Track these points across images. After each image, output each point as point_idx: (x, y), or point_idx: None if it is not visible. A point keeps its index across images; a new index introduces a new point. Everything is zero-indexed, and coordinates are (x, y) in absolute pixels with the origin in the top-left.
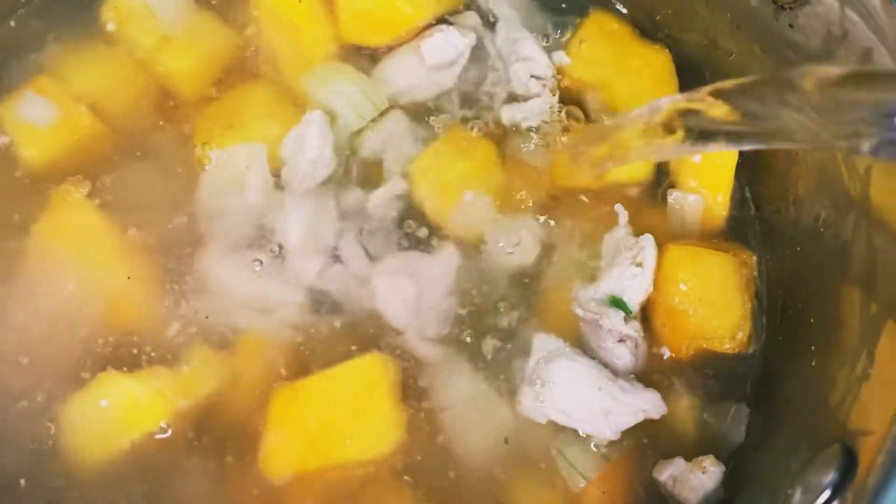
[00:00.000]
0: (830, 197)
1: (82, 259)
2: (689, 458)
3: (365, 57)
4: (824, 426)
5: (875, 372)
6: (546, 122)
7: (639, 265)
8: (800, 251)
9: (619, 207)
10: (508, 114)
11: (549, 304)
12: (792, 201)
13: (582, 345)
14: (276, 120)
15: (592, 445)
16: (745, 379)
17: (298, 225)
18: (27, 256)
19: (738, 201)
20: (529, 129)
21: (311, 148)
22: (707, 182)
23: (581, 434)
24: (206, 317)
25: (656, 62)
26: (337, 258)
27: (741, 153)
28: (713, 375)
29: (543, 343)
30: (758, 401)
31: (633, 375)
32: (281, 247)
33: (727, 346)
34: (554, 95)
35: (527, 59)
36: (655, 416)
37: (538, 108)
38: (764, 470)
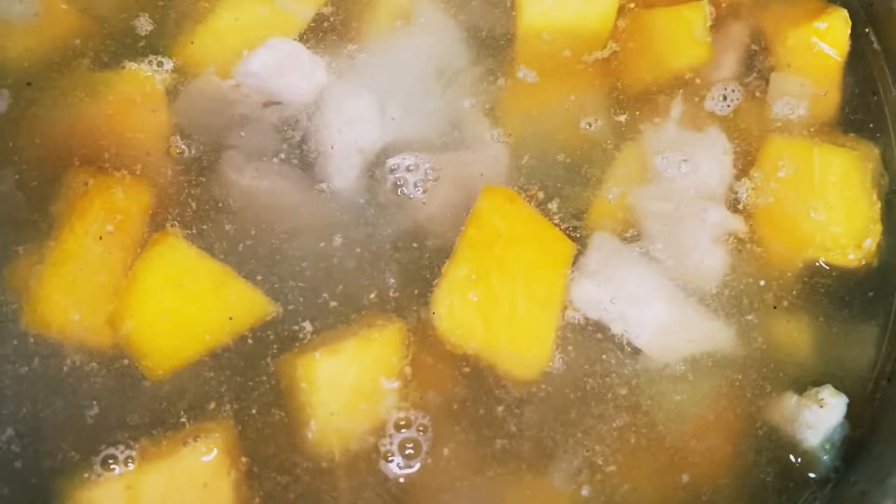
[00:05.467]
0: None
1: None
2: (804, 391)
3: None
4: None
5: None
6: None
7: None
8: None
9: (677, 102)
10: None
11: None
12: None
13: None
14: None
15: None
16: (876, 295)
17: None
18: None
19: (855, 81)
20: None
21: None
22: (814, 61)
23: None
24: None
25: None
26: None
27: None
28: (834, 292)
29: (605, 242)
30: (890, 321)
31: (716, 292)
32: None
33: (852, 258)
34: None
35: None
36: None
37: None
38: None
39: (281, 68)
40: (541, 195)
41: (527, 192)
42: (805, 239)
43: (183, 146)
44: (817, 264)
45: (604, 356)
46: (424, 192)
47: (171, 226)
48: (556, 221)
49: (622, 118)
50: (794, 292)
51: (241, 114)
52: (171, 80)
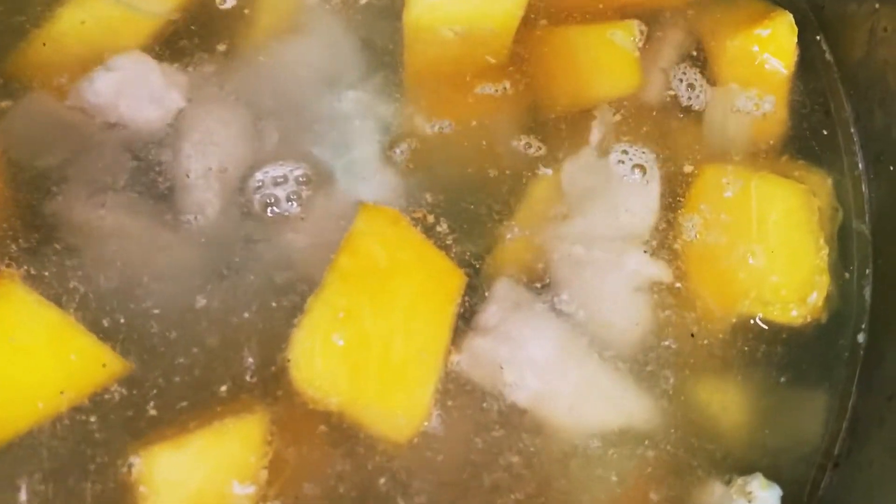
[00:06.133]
0: None
1: None
2: (730, 481)
3: None
4: None
5: None
6: None
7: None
8: None
9: (596, 122)
10: None
11: (512, 243)
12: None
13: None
14: None
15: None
16: (822, 359)
17: None
18: None
19: (805, 97)
20: None
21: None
22: (757, 75)
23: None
24: None
25: None
26: None
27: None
28: (772, 355)
29: (507, 292)
30: (847, 389)
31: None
32: None
33: (794, 314)
34: None
35: None
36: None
37: None
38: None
39: (127, 91)
40: (430, 219)
41: (412, 216)
42: (740, 290)
43: (13, 176)
44: (753, 321)
45: (495, 428)
46: (300, 206)
47: (6, 266)
48: (451, 257)
49: (533, 144)
50: (725, 355)
51: (82, 139)
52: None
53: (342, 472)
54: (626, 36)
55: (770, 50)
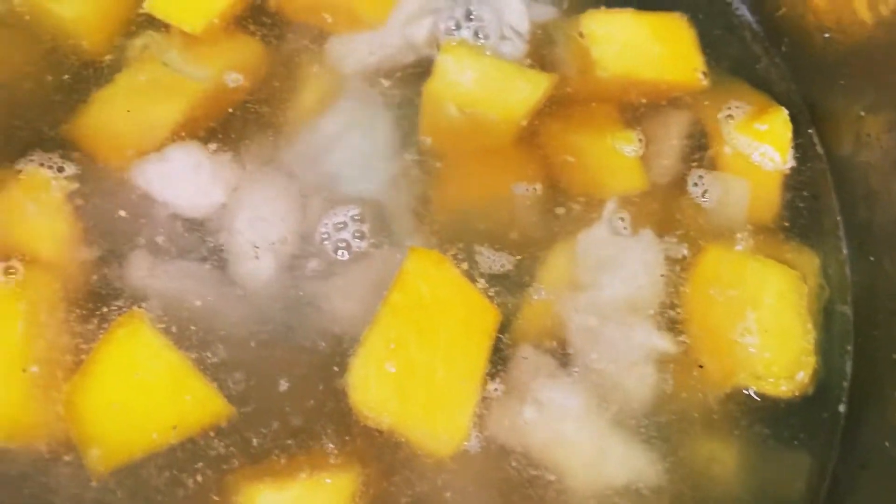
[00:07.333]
0: None
1: None
2: None
3: None
4: None
5: None
6: None
7: None
8: None
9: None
10: None
11: (534, 305)
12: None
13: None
14: None
15: None
16: (811, 427)
17: None
18: None
19: (797, 184)
20: None
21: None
22: (753, 163)
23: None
24: None
25: None
26: None
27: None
28: (764, 421)
29: (530, 355)
30: (827, 454)
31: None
32: None
33: (784, 389)
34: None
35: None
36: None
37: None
38: None
39: (177, 182)
40: (465, 266)
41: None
42: (736, 363)
43: (86, 248)
44: (746, 391)
45: (521, 463)
46: (349, 255)
47: (138, 307)
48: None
49: (553, 213)
50: (721, 419)
51: (141, 210)
52: (71, 184)
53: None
54: (627, 144)
55: (767, 141)
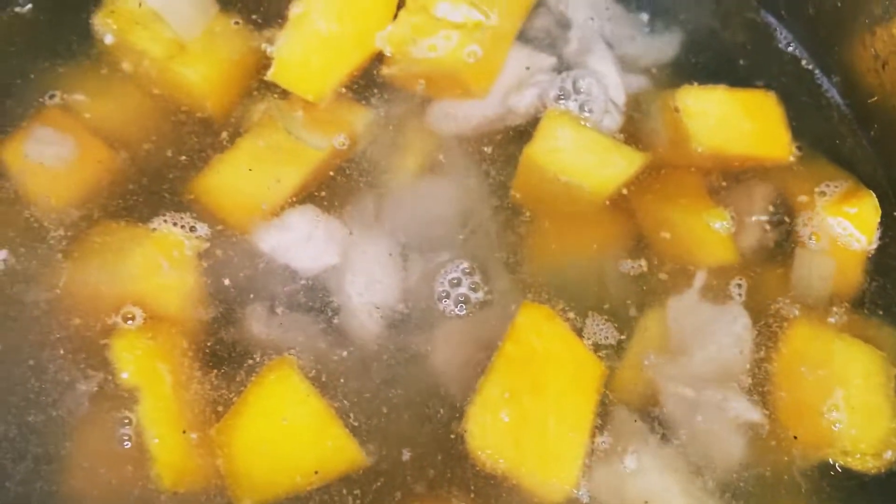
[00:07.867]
0: None
1: None
2: None
3: None
4: None
5: None
6: None
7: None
8: None
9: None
10: None
11: (628, 371)
12: None
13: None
14: None
15: None
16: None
17: None
18: None
19: (881, 265)
20: None
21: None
22: (840, 243)
23: None
24: None
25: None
26: None
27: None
28: (849, 492)
29: (624, 421)
30: None
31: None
32: None
33: (870, 465)
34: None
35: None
36: None
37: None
38: None
39: (293, 247)
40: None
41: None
42: (823, 437)
43: (212, 305)
44: (833, 464)
45: None
46: (466, 309)
47: (289, 353)
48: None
49: (645, 279)
50: (807, 491)
51: (264, 269)
52: (202, 244)
53: None
54: (720, 220)
55: (854, 222)
